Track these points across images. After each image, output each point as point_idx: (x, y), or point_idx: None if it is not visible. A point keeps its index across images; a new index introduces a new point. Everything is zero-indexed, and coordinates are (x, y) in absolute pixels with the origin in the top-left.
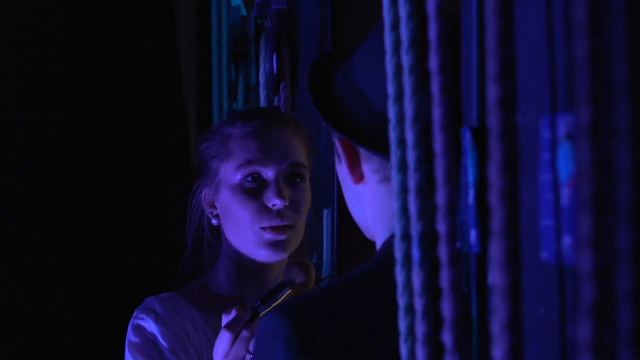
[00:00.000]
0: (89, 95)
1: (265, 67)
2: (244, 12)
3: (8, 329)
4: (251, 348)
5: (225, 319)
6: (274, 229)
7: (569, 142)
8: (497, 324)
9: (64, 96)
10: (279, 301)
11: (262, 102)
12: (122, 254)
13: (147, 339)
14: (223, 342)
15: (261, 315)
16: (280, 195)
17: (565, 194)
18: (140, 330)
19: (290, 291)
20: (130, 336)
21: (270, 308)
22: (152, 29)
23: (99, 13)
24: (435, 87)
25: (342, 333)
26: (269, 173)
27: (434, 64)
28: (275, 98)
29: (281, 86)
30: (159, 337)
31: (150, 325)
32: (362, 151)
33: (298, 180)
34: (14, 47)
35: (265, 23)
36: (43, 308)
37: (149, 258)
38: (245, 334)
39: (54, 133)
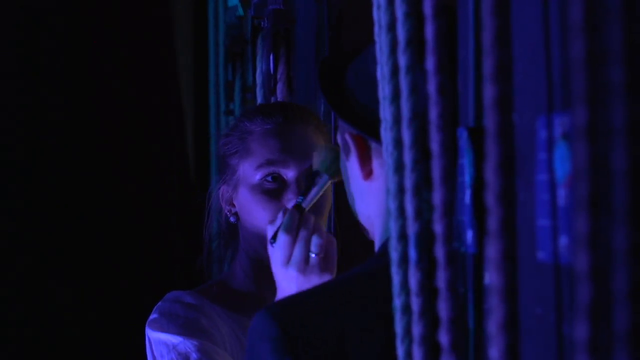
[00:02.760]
0: (85, 94)
1: (261, 66)
2: (240, 11)
3: (8, 330)
4: (313, 248)
5: (272, 228)
6: None
7: (565, 142)
8: (494, 324)
9: (60, 96)
10: (322, 190)
11: (259, 102)
12: (119, 254)
13: (180, 316)
14: (282, 247)
15: (307, 208)
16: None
17: (562, 193)
18: (168, 316)
19: (329, 180)
20: (152, 323)
21: (314, 200)
22: (148, 29)
23: (96, 13)
24: (431, 87)
25: (330, 334)
26: (289, 173)
27: (430, 63)
28: (272, 98)
29: (278, 86)
30: (191, 318)
31: (178, 310)
32: (373, 146)
33: None
34: (12, 47)
35: (262, 23)
36: (43, 309)
37: (146, 258)
38: (303, 233)
39: (51, 133)
